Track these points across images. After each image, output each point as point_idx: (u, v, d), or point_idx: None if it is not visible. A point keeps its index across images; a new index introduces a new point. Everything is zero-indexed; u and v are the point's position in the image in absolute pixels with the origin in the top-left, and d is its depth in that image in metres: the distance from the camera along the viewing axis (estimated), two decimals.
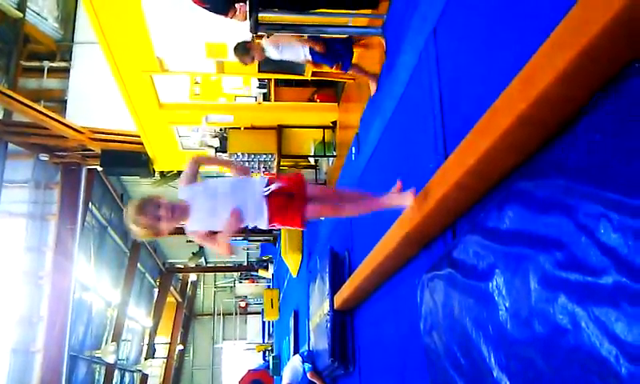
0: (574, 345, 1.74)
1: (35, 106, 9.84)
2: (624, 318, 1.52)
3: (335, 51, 5.15)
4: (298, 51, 5.18)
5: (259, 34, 5.01)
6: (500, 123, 2.08)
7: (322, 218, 3.20)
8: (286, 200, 2.96)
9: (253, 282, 24.82)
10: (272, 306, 16.29)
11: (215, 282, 30.09)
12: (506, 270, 2.21)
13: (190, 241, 20.66)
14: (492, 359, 2.29)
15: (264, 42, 5.22)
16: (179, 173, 13.19)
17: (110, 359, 15.44)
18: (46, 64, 11.72)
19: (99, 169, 11.36)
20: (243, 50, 5.21)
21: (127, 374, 19.74)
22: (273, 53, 5.19)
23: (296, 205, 2.97)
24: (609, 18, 1.48)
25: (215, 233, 2.91)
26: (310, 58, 5.16)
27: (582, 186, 1.77)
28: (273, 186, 2.97)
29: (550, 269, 1.89)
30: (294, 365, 7.49)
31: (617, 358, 1.54)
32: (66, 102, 11.31)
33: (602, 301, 1.62)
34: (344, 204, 3.20)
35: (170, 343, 24.66)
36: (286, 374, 7.51)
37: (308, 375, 7.06)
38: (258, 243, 21.04)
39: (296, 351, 10.10)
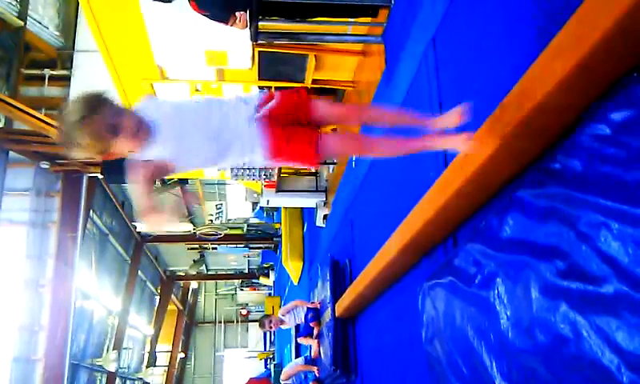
0: (575, 354, 1.73)
1: (36, 113, 9.83)
2: (625, 327, 1.52)
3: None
4: (299, 313, 7.36)
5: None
6: (499, 132, 2.08)
7: (343, 157, 2.09)
8: (292, 127, 2.18)
9: (254, 290, 24.84)
10: (273, 314, 16.26)
11: (216, 289, 30.08)
12: (507, 278, 2.21)
13: (192, 248, 20.84)
14: (494, 368, 2.28)
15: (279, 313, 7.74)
16: (180, 181, 13.15)
17: (112, 367, 15.43)
18: (47, 72, 11.73)
19: (100, 177, 11.36)
20: (266, 319, 7.75)
21: (128, 383, 19.72)
22: (287, 319, 7.54)
23: (305, 132, 2.16)
24: (608, 27, 1.49)
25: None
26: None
27: (581, 194, 1.77)
28: (266, 107, 2.19)
29: (551, 277, 1.89)
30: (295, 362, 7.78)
31: (618, 367, 1.53)
32: None
33: (603, 310, 1.62)
34: (376, 139, 2.40)
35: (171, 351, 24.62)
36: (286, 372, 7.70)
37: None
38: (259, 250, 21.04)
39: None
